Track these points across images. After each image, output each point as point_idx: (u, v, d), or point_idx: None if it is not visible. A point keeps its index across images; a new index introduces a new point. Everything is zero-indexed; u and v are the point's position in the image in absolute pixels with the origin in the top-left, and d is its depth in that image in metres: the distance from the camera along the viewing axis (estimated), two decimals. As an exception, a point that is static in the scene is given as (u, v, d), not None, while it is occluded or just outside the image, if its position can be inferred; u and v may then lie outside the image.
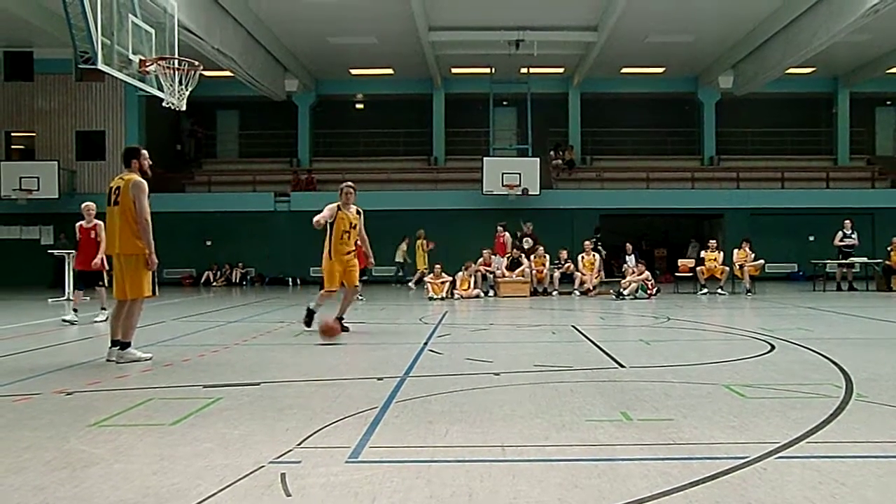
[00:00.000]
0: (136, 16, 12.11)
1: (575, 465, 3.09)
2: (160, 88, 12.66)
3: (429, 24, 20.97)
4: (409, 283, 19.20)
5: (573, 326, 9.25)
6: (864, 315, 10.63)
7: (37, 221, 22.96)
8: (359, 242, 8.76)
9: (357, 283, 8.76)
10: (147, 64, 12.23)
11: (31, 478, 2.99)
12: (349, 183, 8.50)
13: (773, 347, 6.78)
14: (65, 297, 15.24)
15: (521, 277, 15.95)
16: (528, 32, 21.30)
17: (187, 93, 12.81)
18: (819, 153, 27.41)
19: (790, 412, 4.02)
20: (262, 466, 3.10)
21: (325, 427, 3.79)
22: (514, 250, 16.56)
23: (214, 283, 22.70)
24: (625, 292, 14.66)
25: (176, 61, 12.77)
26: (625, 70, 25.59)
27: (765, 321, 9.76)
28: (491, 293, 16.14)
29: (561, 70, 25.69)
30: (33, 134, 24.75)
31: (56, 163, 23.05)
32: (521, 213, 20.75)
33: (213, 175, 26.14)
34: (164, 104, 12.82)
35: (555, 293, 16.37)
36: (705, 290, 16.02)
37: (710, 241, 17.51)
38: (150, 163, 6.68)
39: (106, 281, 10.13)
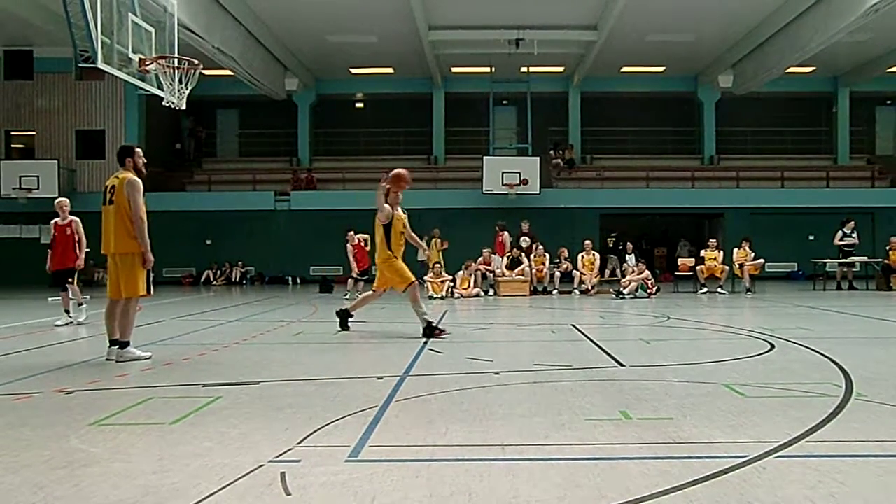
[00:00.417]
0: (135, 15, 12.09)
1: (574, 464, 3.09)
2: (160, 87, 12.65)
3: (429, 23, 20.97)
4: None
5: (573, 325, 9.24)
6: (864, 314, 10.63)
7: (37, 220, 22.93)
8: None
9: (391, 287, 8.47)
10: (147, 63, 12.21)
11: (31, 476, 2.99)
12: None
13: (772, 346, 6.78)
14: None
15: (521, 277, 15.96)
16: (528, 31, 21.30)
17: (187, 92, 12.79)
18: (819, 152, 27.41)
19: (790, 411, 4.02)
20: (262, 465, 3.10)
21: (325, 426, 3.79)
22: (515, 249, 16.57)
23: (214, 283, 22.71)
24: (625, 291, 14.66)
25: (176, 60, 12.75)
26: (625, 69, 25.57)
27: (764, 320, 9.76)
28: (491, 292, 16.15)
29: (561, 69, 25.68)
30: (33, 133, 24.77)
31: (56, 162, 23.06)
32: (520, 213, 20.74)
33: (213, 174, 26.14)
34: (163, 103, 12.80)
35: (555, 292, 16.38)
36: (705, 290, 16.02)
37: (711, 240, 17.52)
38: (145, 161, 6.66)
39: (76, 279, 9.92)
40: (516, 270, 16.07)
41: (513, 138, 27.32)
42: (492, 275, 16.49)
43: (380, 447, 3.40)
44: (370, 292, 8.77)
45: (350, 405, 4.28)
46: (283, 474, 2.96)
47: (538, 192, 22.56)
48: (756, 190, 24.33)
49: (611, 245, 17.00)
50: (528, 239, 17.03)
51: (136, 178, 6.41)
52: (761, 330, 8.25)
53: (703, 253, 16.95)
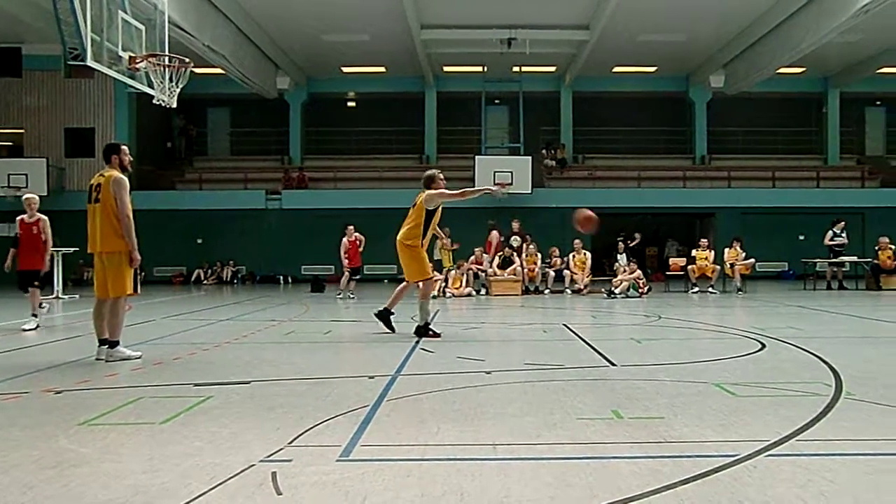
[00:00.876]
0: (125, 12, 12.04)
1: (566, 463, 3.09)
2: (150, 85, 12.59)
3: (421, 21, 20.95)
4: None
5: (565, 325, 9.26)
6: (854, 314, 10.70)
7: (25, 219, 22.78)
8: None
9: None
10: (137, 60, 12.14)
11: (20, 476, 2.96)
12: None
13: (763, 346, 6.81)
14: (53, 296, 15.17)
15: (512, 276, 15.97)
16: (521, 31, 21.33)
17: (178, 90, 12.74)
18: (809, 153, 27.57)
19: (780, 410, 4.04)
20: (253, 465, 3.08)
21: (317, 425, 3.77)
22: (507, 248, 16.57)
23: (205, 282, 22.63)
24: (616, 291, 14.69)
25: (166, 58, 12.70)
26: (616, 69, 25.64)
27: (755, 320, 9.81)
28: (483, 292, 16.15)
29: (553, 68, 25.72)
30: (21, 131, 24.56)
31: (45, 160, 22.85)
32: (512, 212, 20.74)
33: (203, 173, 26.03)
34: (154, 101, 12.74)
35: (546, 292, 16.40)
36: (696, 289, 16.09)
37: (702, 239, 17.58)
38: (131, 159, 6.63)
39: (40, 282, 9.49)
40: (508, 270, 16.09)
41: (505, 138, 27.32)
42: (484, 274, 16.50)
43: (371, 447, 3.39)
44: (404, 284, 8.49)
45: (341, 405, 4.27)
46: (274, 474, 2.95)
47: (530, 191, 22.57)
48: (747, 190, 24.45)
49: (628, 244, 17.21)
50: (518, 238, 17.04)
51: (122, 175, 6.38)
52: (752, 329, 8.28)
53: (694, 252, 17.02)
